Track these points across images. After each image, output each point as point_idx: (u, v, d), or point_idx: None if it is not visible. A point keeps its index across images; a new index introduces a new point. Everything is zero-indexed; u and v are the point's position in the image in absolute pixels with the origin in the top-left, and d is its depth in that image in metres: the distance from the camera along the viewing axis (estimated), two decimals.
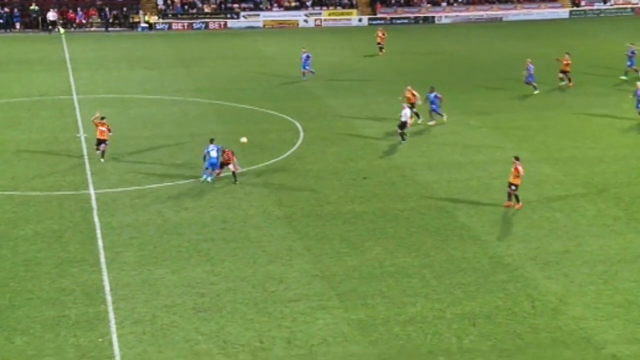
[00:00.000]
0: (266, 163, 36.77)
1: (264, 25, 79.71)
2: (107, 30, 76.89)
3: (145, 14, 78.17)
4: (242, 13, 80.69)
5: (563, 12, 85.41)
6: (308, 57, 54.00)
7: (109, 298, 24.58)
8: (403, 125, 40.21)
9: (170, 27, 77.92)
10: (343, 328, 23.00)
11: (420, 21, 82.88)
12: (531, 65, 49.81)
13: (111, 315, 23.57)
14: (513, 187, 31.12)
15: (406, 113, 40.22)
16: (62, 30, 74.29)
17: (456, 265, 26.85)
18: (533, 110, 46.28)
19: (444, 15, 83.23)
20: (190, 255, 27.63)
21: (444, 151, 39.14)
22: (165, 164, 37.17)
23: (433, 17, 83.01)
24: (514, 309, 23.96)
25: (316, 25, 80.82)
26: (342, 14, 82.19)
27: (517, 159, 31.21)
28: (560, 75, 50.66)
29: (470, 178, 35.13)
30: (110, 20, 77.62)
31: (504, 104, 48.18)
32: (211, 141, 34.87)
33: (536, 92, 49.56)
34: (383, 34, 63.83)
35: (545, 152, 38.85)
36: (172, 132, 42.63)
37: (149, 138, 41.50)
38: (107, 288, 25.21)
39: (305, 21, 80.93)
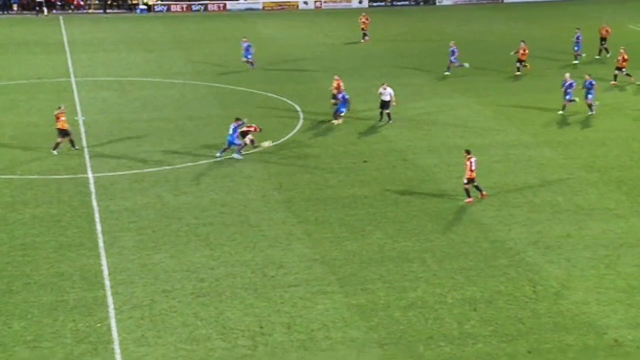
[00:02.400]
0: (260, 146, 36.51)
1: (264, 7, 79.29)
2: (105, 12, 76.49)
3: None
4: None
5: None
6: (249, 46, 52.21)
7: (107, 283, 24.47)
8: (385, 104, 40.06)
9: (169, 9, 77.52)
10: (343, 313, 22.89)
11: (421, 3, 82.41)
12: (455, 48, 50.11)
13: (110, 300, 23.46)
14: (465, 181, 30.22)
15: (390, 92, 40.01)
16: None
17: (457, 249, 26.72)
18: (534, 92, 46.01)
19: None
20: (189, 239, 27.50)
21: (445, 134, 38.94)
22: (164, 148, 36.98)
23: None
24: (515, 294, 23.85)
25: (316, 7, 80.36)
26: None
27: (468, 152, 30.46)
28: (518, 64, 49.76)
29: None
30: (109, 2, 77.16)
31: (506, 87, 47.93)
32: (235, 120, 35.28)
33: (466, 65, 49.93)
34: (366, 19, 62.02)
35: (546, 135, 38.65)
36: (170, 115, 42.42)
37: (148, 121, 41.30)
38: (106, 272, 25.09)
39: (305, 3, 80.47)
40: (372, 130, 39.67)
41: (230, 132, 34.95)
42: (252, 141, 36.11)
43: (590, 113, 41.08)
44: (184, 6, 77.96)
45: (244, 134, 35.78)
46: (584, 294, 23.83)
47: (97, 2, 77.41)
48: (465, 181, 30.31)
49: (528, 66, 49.92)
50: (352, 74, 51.35)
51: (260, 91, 46.85)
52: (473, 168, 30.09)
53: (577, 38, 53.31)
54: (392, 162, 35.00)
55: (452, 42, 51.18)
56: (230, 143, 35.07)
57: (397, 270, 25.33)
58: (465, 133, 39.02)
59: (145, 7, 76.96)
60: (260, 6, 79.31)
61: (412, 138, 38.39)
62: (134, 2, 77.47)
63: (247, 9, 78.86)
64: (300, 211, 29.88)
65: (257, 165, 34.60)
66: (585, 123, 40.37)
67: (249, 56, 52.26)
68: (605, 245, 26.98)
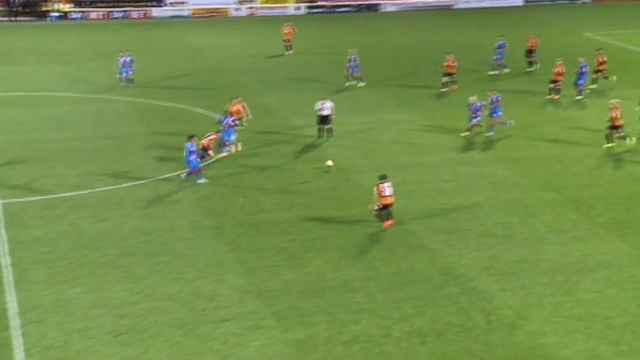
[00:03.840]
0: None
1: (192, 14, 79.27)
2: (13, 20, 75.51)
3: (57, 2, 76.96)
4: (167, 0, 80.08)
5: None
6: (130, 61, 51.01)
7: (15, 322, 24.01)
8: (325, 119, 40.43)
9: (86, 17, 76.90)
10: (280, 349, 22.85)
11: (364, 9, 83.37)
12: (355, 56, 51.00)
13: (18, 342, 23.01)
14: (379, 207, 30.16)
15: (330, 106, 40.34)
16: None
17: (404, 277, 26.90)
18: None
19: (389, 3, 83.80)
20: (109, 271, 27.20)
21: (391, 152, 39.29)
22: (80, 170, 36.62)
23: (377, 4, 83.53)
24: (467, 325, 24.08)
25: (249, 13, 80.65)
26: (278, 1, 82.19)
27: (380, 178, 30.42)
28: (444, 79, 49.96)
29: (419, 181, 35.31)
30: (17, 9, 76.26)
31: (455, 100, 48.47)
32: (189, 139, 34.89)
33: (362, 84, 50.94)
34: (291, 30, 61.91)
35: (499, 151, 39.25)
36: (88, 133, 42.10)
37: (62, 141, 40.90)
38: (13, 311, 24.63)
39: (237, 9, 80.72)
40: (310, 148, 39.84)
41: (186, 153, 34.68)
42: (206, 149, 36.83)
43: (488, 134, 41.14)
44: (103, 13, 77.43)
45: (206, 148, 36.01)
46: (541, 323, 24.18)
47: (2, 8, 76.34)
48: (377, 207, 30.30)
49: (456, 86, 49.94)
50: (289, 87, 51.68)
51: (188, 106, 46.70)
52: (386, 193, 30.17)
53: (500, 46, 54.49)
54: (333, 183, 35.16)
55: (354, 49, 51.86)
56: (190, 166, 34.76)
57: (338, 301, 25.38)
58: (412, 150, 39.44)
59: (58, 14, 76.19)
60: (187, 13, 79.27)
61: (355, 156, 38.64)
62: (46, 8, 76.66)
63: (173, 16, 78.73)
64: (232, 238, 29.81)
65: (183, 189, 34.43)
66: (541, 139, 41.03)
67: (130, 72, 51.10)
68: (562, 270, 27.42)
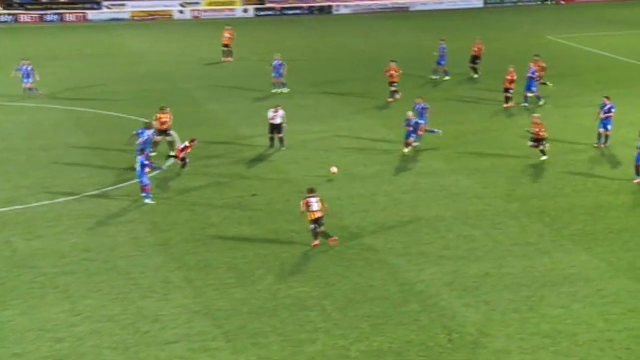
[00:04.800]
0: (136, 181, 36.20)
1: (132, 17, 78.99)
2: None
3: None
4: (105, 2, 79.78)
5: (477, 1, 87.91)
6: (32, 70, 50.25)
7: None
8: (276, 128, 40.70)
9: (16, 20, 76.27)
10: None
11: (315, 11, 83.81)
12: (279, 62, 51.80)
13: None
14: (312, 226, 30.27)
15: (282, 114, 40.65)
16: None
17: (362, 294, 27.04)
18: (446, 113, 47.10)
19: (343, 5, 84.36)
20: (45, 292, 26.98)
21: (346, 161, 39.47)
22: (12, 184, 36.33)
23: (330, 6, 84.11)
24: (428, 344, 24.28)
25: (194, 16, 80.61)
26: (224, 3, 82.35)
27: (310, 191, 30.53)
28: (392, 88, 50.30)
29: (376, 192, 35.54)
30: None
31: (411, 107, 48.90)
32: (140, 152, 34.82)
33: (285, 90, 51.50)
34: (230, 35, 61.58)
35: (460, 161, 39.63)
36: (20, 145, 41.76)
37: None
38: None
39: (181, 12, 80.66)
40: (261, 158, 39.90)
41: (138, 167, 34.31)
42: (183, 160, 37.47)
43: (437, 132, 41.91)
44: (35, 16, 76.82)
45: (182, 158, 37.23)
46: (505, 341, 24.45)
47: None
48: (312, 226, 30.39)
49: (399, 95, 49.90)
50: (237, 94, 51.73)
51: (129, 115, 46.49)
52: (313, 208, 30.21)
53: (442, 51, 55.36)
54: (285, 195, 35.25)
55: (278, 54, 52.41)
56: (142, 181, 34.43)
57: (292, 320, 25.46)
58: (369, 160, 39.67)
59: None
60: (127, 16, 79.00)
61: (308, 166, 38.77)
62: None
63: (112, 19, 78.41)
64: (178, 255, 29.74)
65: (126, 203, 34.29)
66: (500, 148, 41.54)
67: (30, 81, 50.33)
68: (527, 284, 27.76)
